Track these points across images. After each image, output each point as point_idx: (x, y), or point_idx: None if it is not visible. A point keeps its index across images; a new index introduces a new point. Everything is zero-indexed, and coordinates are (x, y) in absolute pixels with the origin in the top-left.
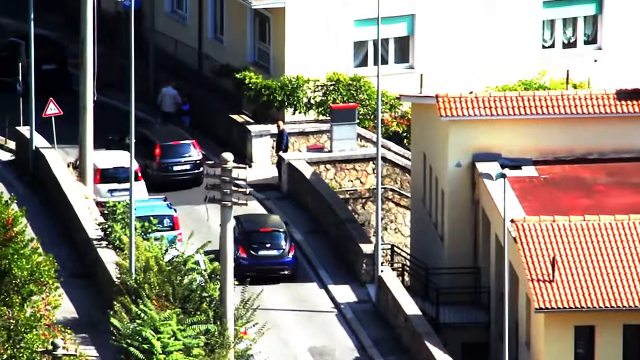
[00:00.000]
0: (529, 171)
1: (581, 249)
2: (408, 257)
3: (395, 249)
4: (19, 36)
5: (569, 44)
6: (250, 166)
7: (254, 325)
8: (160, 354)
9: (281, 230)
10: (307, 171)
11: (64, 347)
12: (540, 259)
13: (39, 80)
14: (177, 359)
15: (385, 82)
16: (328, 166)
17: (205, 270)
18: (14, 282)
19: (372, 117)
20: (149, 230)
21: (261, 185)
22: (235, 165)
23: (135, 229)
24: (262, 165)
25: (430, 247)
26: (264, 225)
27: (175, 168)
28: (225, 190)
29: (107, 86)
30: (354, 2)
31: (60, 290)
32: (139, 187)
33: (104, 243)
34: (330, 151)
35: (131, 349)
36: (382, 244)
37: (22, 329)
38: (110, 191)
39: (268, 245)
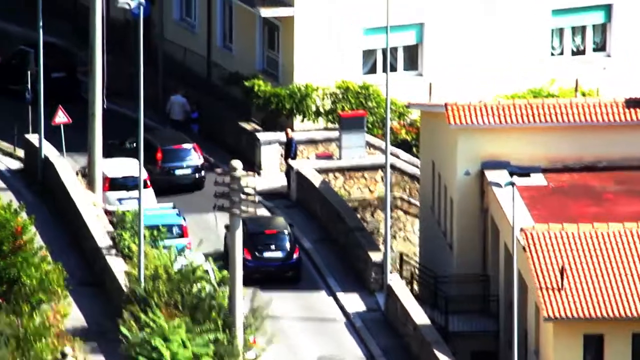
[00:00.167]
0: (537, 179)
1: (590, 257)
2: (417, 265)
3: (404, 257)
4: (28, 44)
5: (578, 52)
6: (259, 174)
7: (263, 334)
8: None
9: (286, 232)
10: (316, 179)
11: (73, 356)
12: (549, 267)
13: (48, 88)
14: None
15: (394, 90)
16: (337, 174)
17: (214, 279)
18: (23, 290)
19: (381, 125)
20: (158, 239)
21: (270, 193)
22: (244, 173)
23: (145, 237)
24: (271, 173)
25: (439, 255)
26: (268, 227)
27: (177, 172)
28: (234, 199)
29: (116, 94)
30: (363, 11)
31: (70, 299)
32: (148, 196)
33: (113, 251)
34: (339, 159)
35: (140, 357)
36: (391, 253)
37: (32, 338)
38: (119, 199)
39: (272, 247)
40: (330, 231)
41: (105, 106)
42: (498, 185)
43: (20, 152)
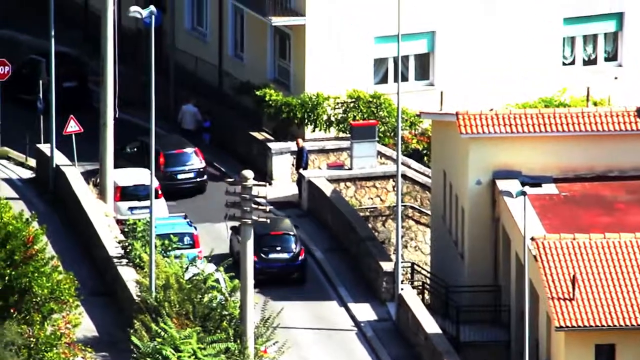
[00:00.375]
0: (549, 189)
1: (602, 267)
2: (428, 275)
3: (416, 266)
4: (39, 53)
5: (590, 61)
6: (270, 184)
7: (274, 344)
8: None
9: (291, 233)
10: (327, 189)
11: None
12: (561, 277)
13: (59, 97)
14: None
15: (405, 100)
16: (348, 184)
17: (225, 289)
18: (34, 300)
19: (392, 134)
20: (169, 248)
21: (281, 202)
22: (256, 182)
23: (156, 246)
24: (282, 182)
25: (451, 264)
26: (274, 229)
27: (180, 176)
28: (245, 208)
29: (127, 103)
30: (374, 19)
31: (81, 309)
32: (159, 205)
33: (124, 261)
34: (351, 169)
35: None
36: (402, 262)
37: (43, 348)
38: (131, 209)
39: (278, 249)
40: (342, 241)
41: (116, 116)
42: (509, 194)
43: (32, 162)
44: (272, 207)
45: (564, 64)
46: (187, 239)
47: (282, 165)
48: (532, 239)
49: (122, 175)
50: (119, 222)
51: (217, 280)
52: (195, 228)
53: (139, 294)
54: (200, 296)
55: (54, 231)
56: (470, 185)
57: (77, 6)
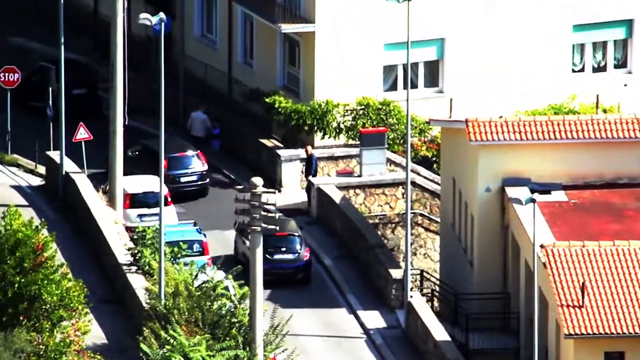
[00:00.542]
0: (558, 196)
1: (611, 274)
2: (437, 282)
3: (425, 274)
4: (49, 61)
5: (599, 68)
6: (279, 191)
7: (283, 351)
8: None
9: (296, 234)
10: (337, 196)
11: None
12: (570, 284)
13: (69, 104)
14: None
15: (414, 107)
16: (357, 191)
17: (234, 296)
18: (43, 307)
19: (401, 141)
20: (179, 256)
21: (290, 210)
22: (265, 190)
23: (165, 254)
24: (292, 189)
25: (460, 272)
26: (279, 229)
27: (183, 179)
28: (254, 215)
29: (137, 111)
30: (384, 26)
31: (90, 316)
32: (169, 212)
33: (134, 268)
34: (360, 176)
35: None
36: (411, 269)
37: (52, 355)
38: (140, 216)
39: (283, 249)
40: (351, 248)
41: (126, 123)
42: (519, 201)
43: (42, 169)
44: (281, 214)
45: (573, 71)
46: (196, 246)
47: (291, 173)
48: (542, 246)
49: (132, 183)
50: (128, 229)
51: (226, 288)
52: (205, 235)
53: (148, 301)
54: (209, 303)
55: (63, 238)
56: (479, 193)
57: (87, 13)
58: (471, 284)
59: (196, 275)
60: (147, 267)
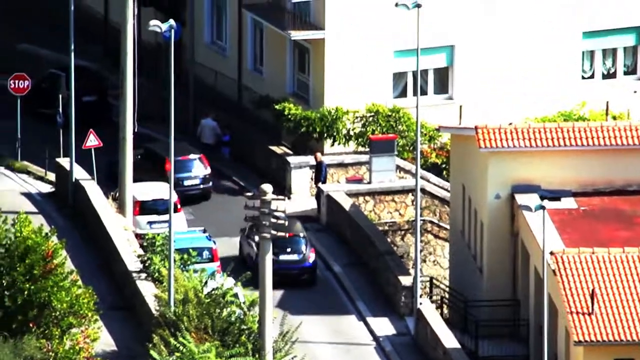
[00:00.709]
0: (568, 203)
1: (621, 281)
2: (447, 289)
3: (434, 281)
4: (59, 68)
5: (609, 75)
6: (289, 198)
7: (292, 358)
8: None
9: (302, 235)
10: (346, 203)
11: None
12: (580, 291)
13: (79, 112)
14: None
15: (424, 113)
16: (367, 198)
17: (244, 303)
18: (53, 314)
19: (411, 148)
20: (188, 263)
21: (300, 217)
22: (275, 197)
23: (175, 261)
24: (301, 196)
25: (469, 279)
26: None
27: (186, 183)
28: (264, 222)
29: (147, 118)
30: (394, 33)
31: (100, 323)
32: (179, 219)
33: (143, 275)
34: (369, 183)
35: None
36: (421, 276)
37: None
38: (150, 223)
39: (289, 250)
40: (360, 255)
41: (136, 130)
42: (528, 208)
43: (52, 176)
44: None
45: (583, 77)
46: (206, 253)
47: (301, 179)
48: (551, 253)
49: (141, 190)
50: (138, 236)
51: (235, 295)
52: (214, 242)
53: (158, 308)
54: (218, 310)
55: (73, 245)
56: (489, 200)
57: (97, 20)
58: (481, 291)
59: (206, 282)
60: (156, 274)
